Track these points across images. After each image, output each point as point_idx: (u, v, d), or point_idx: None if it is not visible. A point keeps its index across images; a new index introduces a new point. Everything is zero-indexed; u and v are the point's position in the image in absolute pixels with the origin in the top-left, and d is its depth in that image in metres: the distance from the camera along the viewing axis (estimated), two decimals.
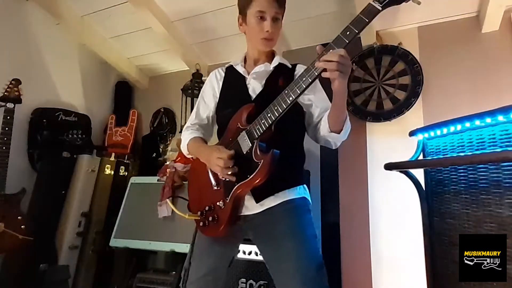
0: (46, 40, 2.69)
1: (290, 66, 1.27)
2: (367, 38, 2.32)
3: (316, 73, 0.93)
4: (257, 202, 1.11)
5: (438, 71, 2.17)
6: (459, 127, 1.05)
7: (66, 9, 2.56)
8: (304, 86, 0.95)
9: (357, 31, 0.90)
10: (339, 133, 1.08)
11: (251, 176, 1.01)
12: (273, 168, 0.98)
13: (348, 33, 0.90)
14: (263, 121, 1.03)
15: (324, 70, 0.91)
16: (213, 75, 1.35)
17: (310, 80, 0.94)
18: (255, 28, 1.18)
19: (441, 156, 1.15)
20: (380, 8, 0.88)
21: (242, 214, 1.14)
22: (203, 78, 2.80)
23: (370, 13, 0.89)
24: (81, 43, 2.91)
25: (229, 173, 1.05)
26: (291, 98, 0.98)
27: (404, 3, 0.89)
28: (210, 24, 2.52)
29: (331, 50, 0.91)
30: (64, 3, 2.53)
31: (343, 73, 0.91)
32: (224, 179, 1.11)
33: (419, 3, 0.89)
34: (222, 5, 2.29)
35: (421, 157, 1.25)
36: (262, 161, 1.00)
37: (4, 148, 2.09)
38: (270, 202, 1.12)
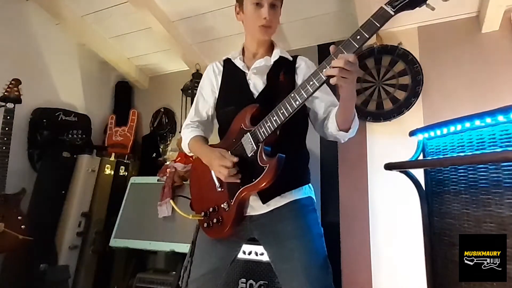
0: (46, 40, 2.69)
1: (291, 59, 1.24)
2: None
3: (324, 78, 0.90)
4: (263, 203, 1.10)
5: (438, 71, 2.17)
6: (459, 127, 1.04)
7: (66, 9, 2.56)
8: (312, 91, 0.93)
9: (368, 36, 0.86)
10: (347, 132, 1.05)
11: (257, 180, 1.00)
12: (278, 172, 0.97)
13: (358, 37, 0.87)
14: (268, 124, 1.01)
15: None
16: (210, 69, 1.31)
17: (317, 85, 0.92)
18: (252, 16, 1.15)
19: (441, 156, 1.15)
20: (392, 13, 0.84)
21: (247, 214, 1.13)
22: None
23: (382, 18, 0.85)
24: (81, 43, 2.91)
25: (233, 180, 1.05)
26: (297, 102, 0.95)
27: (417, 8, 0.85)
28: (210, 24, 2.52)
29: (340, 55, 0.87)
30: (64, 3, 2.53)
31: (348, 80, 0.88)
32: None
33: (433, 8, 0.85)
34: (222, 5, 2.29)
35: (421, 157, 1.25)
36: (268, 165, 0.98)
37: (4, 148, 2.08)
38: (276, 202, 1.11)
